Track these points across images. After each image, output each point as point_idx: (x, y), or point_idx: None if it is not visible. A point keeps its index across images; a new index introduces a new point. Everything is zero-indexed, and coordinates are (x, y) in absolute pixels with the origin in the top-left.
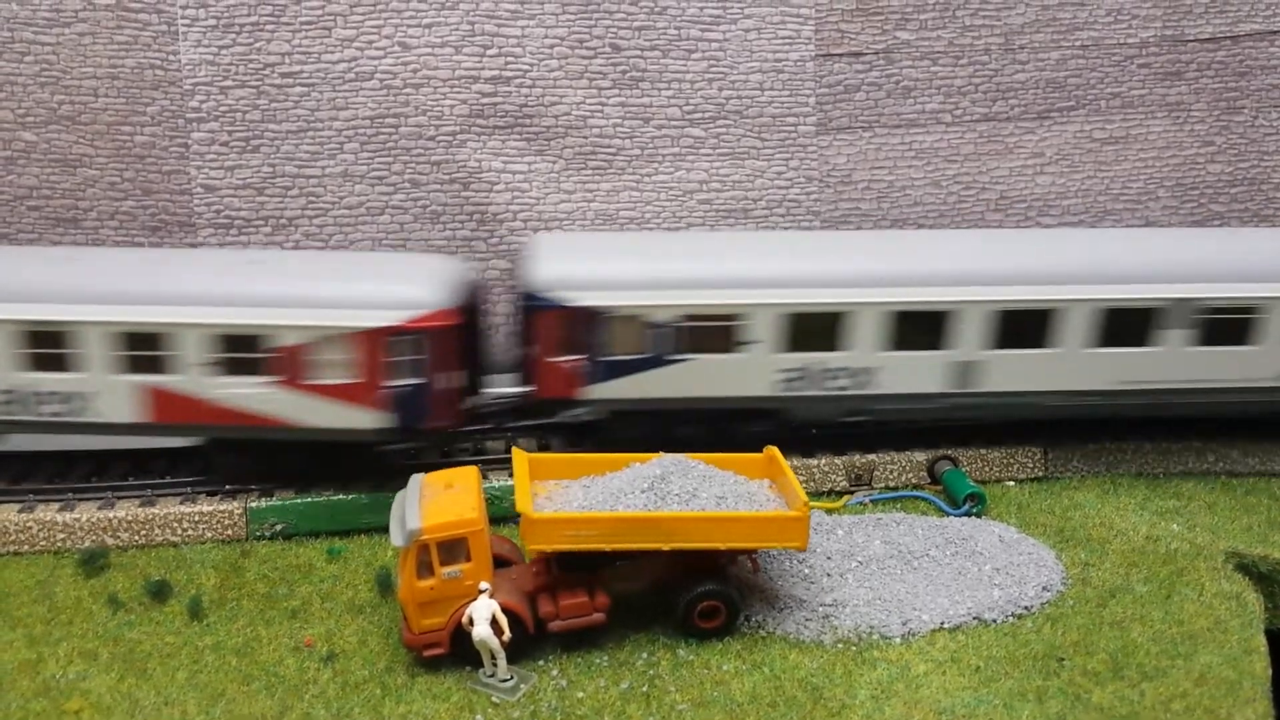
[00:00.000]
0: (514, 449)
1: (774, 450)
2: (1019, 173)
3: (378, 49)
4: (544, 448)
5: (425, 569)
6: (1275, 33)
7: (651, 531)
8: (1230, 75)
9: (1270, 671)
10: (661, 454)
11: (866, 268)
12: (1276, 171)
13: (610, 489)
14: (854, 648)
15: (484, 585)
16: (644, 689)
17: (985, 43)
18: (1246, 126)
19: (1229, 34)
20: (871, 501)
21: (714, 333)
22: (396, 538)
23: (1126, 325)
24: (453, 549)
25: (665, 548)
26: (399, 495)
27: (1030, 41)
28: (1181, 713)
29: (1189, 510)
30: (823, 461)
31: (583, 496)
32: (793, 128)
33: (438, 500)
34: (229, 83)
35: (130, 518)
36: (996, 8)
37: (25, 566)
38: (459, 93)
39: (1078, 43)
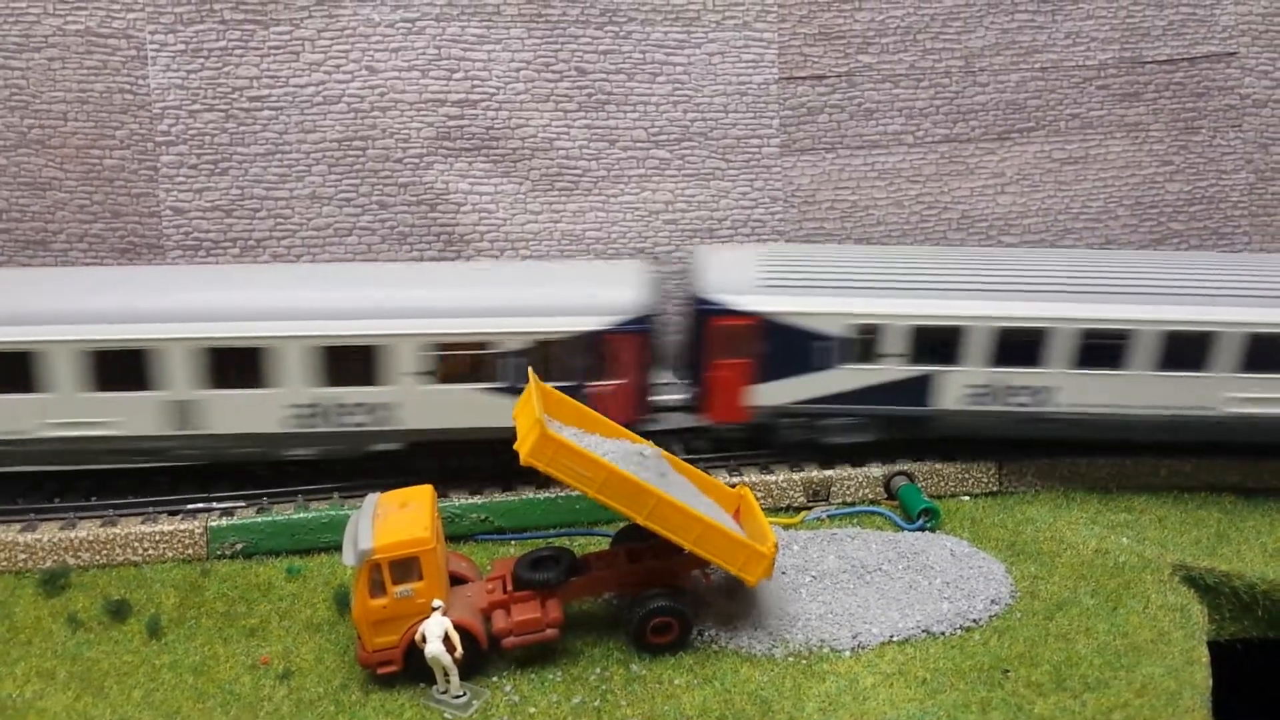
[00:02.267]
0: (530, 370)
1: (745, 489)
2: (980, 193)
3: (345, 73)
4: None
5: (378, 588)
6: (1231, 54)
7: (639, 502)
8: (1188, 96)
9: (1211, 682)
10: (650, 442)
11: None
12: (1234, 190)
13: (603, 449)
14: (804, 661)
15: (437, 603)
16: (596, 703)
17: (946, 65)
18: (1204, 146)
19: (1186, 56)
20: (829, 517)
21: None
22: (349, 557)
23: None
24: (405, 568)
25: (639, 520)
26: (353, 515)
27: (990, 64)
28: None
29: (1139, 524)
30: (781, 478)
31: (576, 443)
32: (757, 149)
33: (390, 520)
34: (198, 106)
35: (92, 538)
36: (957, 31)
37: None
38: (426, 115)
39: (1037, 65)
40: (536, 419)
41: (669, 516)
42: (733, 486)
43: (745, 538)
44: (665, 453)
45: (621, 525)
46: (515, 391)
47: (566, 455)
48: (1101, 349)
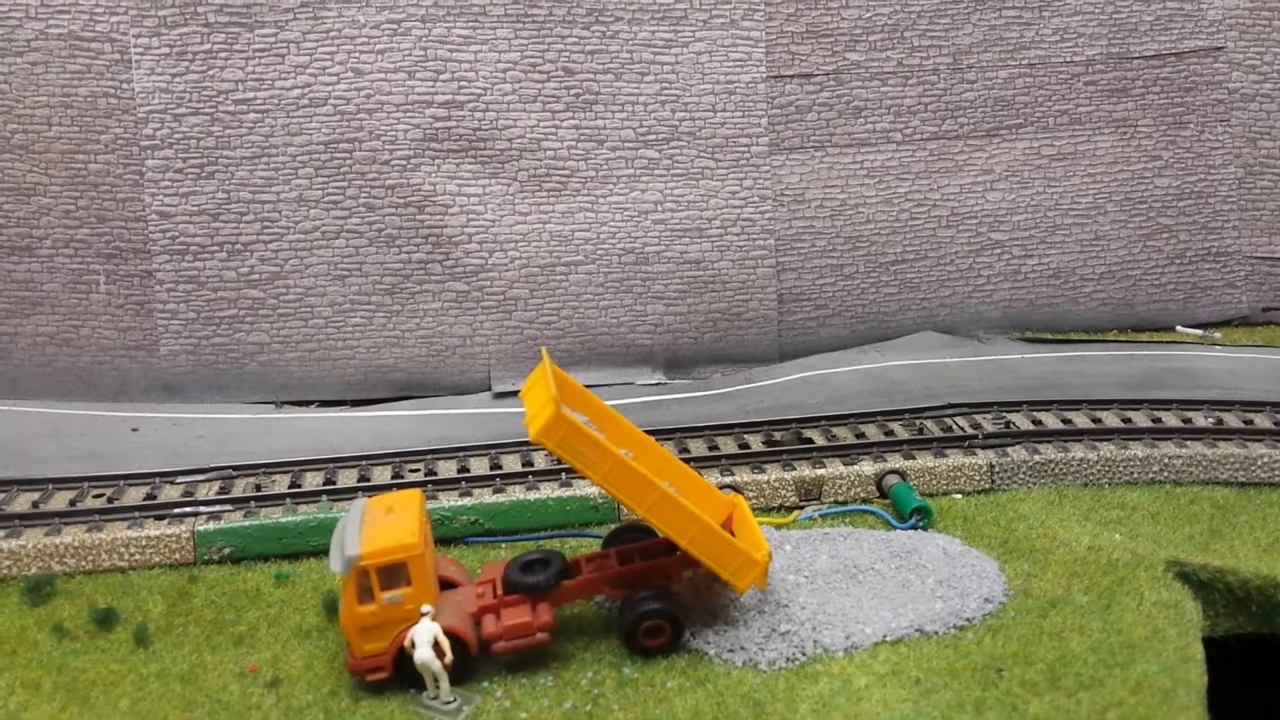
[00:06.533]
0: (542, 349)
1: (740, 499)
2: (969, 189)
3: (331, 75)
4: None
5: (366, 594)
6: (1219, 49)
7: (640, 493)
8: (1176, 91)
9: (1206, 679)
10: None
11: None
12: (1223, 185)
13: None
14: (797, 662)
15: (426, 608)
16: (588, 708)
17: (934, 63)
18: (1193, 141)
19: (1173, 51)
20: (821, 516)
21: None
22: (336, 564)
23: None
24: (393, 574)
25: (639, 513)
26: (340, 520)
27: (978, 61)
28: None
29: (1132, 520)
30: (773, 477)
31: (587, 428)
32: (745, 148)
33: (378, 525)
34: (183, 110)
35: (77, 543)
36: (945, 28)
37: None
38: (413, 117)
39: (1025, 61)
40: (550, 398)
41: (669, 514)
42: (723, 489)
43: (743, 544)
44: (666, 450)
45: (613, 527)
46: None
47: (577, 438)
48: None
